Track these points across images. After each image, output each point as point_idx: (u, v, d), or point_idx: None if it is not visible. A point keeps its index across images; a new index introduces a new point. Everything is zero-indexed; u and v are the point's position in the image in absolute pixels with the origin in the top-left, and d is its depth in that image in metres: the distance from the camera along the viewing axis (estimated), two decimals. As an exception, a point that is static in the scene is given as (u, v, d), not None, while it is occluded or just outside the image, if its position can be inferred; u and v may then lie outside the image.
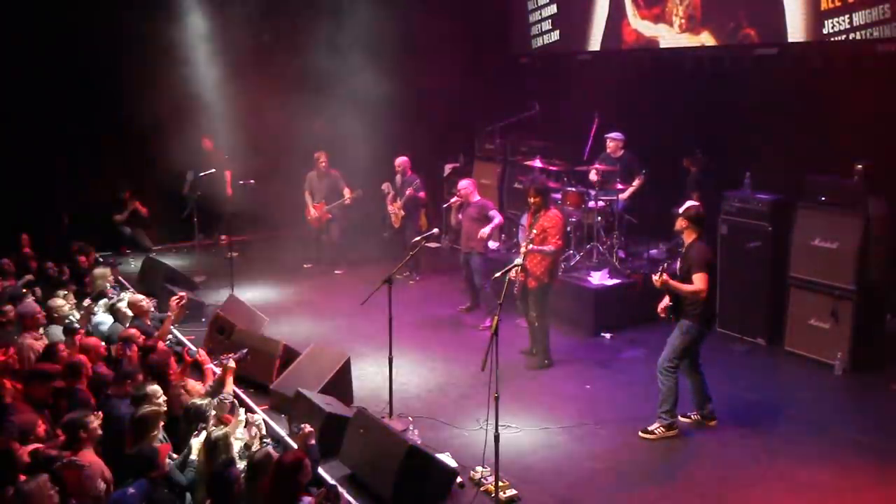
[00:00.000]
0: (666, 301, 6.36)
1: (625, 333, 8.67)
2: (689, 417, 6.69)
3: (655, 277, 6.26)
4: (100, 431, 4.87)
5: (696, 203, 6.48)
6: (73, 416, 4.86)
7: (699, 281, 6.13)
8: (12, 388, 5.57)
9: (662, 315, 6.42)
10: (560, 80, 11.76)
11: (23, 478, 4.31)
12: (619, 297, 8.90)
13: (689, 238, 6.35)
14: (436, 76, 11.98)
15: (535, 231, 7.48)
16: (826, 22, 8.42)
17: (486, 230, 8.58)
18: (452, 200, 8.98)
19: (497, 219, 8.76)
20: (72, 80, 11.19)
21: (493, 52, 12.81)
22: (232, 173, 12.04)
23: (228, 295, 9.13)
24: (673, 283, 6.23)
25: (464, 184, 8.98)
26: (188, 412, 5.37)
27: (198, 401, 5.50)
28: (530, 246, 7.40)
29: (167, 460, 4.85)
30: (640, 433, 6.38)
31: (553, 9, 12.05)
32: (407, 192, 10.41)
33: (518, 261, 7.12)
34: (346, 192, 10.89)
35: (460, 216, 8.98)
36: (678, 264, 6.50)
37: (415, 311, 9.10)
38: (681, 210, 6.41)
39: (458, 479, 5.70)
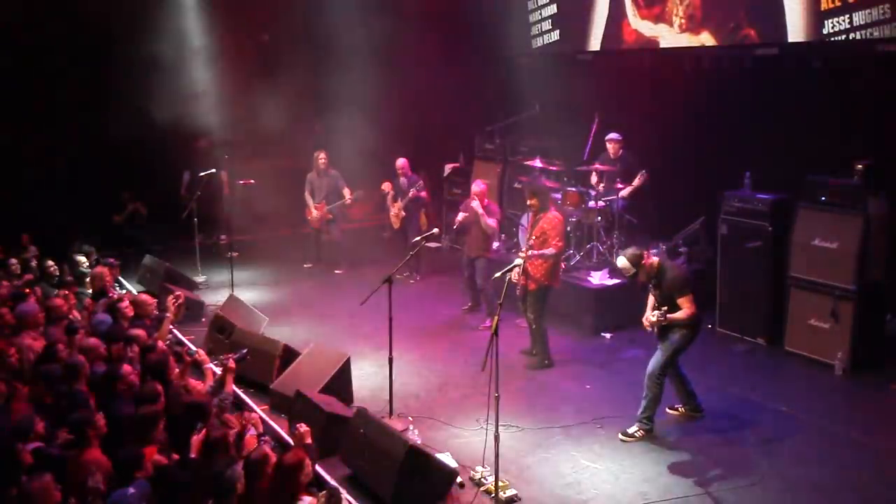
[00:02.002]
0: (651, 314, 6.35)
1: (625, 333, 8.67)
2: (676, 410, 6.74)
3: (652, 319, 6.28)
4: (105, 430, 4.88)
5: (632, 251, 6.37)
6: (80, 414, 4.87)
7: (688, 304, 6.22)
8: (6, 390, 5.56)
9: (648, 327, 6.42)
10: (560, 80, 11.75)
11: (24, 478, 4.31)
12: (619, 297, 8.90)
13: (647, 272, 6.34)
14: (436, 76, 11.99)
15: (534, 237, 7.48)
16: (826, 22, 8.42)
17: (463, 215, 8.69)
18: (460, 218, 8.87)
19: (494, 229, 8.74)
20: (72, 80, 11.19)
21: (493, 52, 12.79)
22: (229, 173, 12.05)
23: (228, 295, 9.13)
24: (672, 317, 6.24)
25: (478, 188, 8.78)
26: (190, 409, 5.37)
27: (200, 398, 5.50)
28: (530, 252, 7.40)
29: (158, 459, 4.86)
30: (620, 435, 6.37)
31: (553, 9, 12.04)
32: (410, 194, 10.39)
33: (518, 261, 7.13)
34: (346, 193, 10.89)
35: (460, 218, 8.93)
36: (652, 290, 6.45)
37: (415, 311, 9.10)
38: (625, 263, 6.34)
39: (458, 479, 5.70)
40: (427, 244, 9.11)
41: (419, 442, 5.90)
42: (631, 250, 6.40)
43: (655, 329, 6.38)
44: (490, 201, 8.99)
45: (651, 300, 6.50)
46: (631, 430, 6.39)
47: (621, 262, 6.42)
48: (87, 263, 7.36)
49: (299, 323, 9.05)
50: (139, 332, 6.64)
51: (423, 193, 10.60)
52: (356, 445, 5.85)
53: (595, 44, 11.35)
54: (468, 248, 8.99)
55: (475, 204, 8.63)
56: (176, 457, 5.13)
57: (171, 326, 7.60)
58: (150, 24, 11.10)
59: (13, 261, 8.57)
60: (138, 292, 8.41)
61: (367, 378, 7.26)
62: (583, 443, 6.38)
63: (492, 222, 8.68)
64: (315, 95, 12.68)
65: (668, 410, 6.71)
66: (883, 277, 7.59)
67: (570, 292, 8.81)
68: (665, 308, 6.25)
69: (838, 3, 8.28)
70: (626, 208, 9.54)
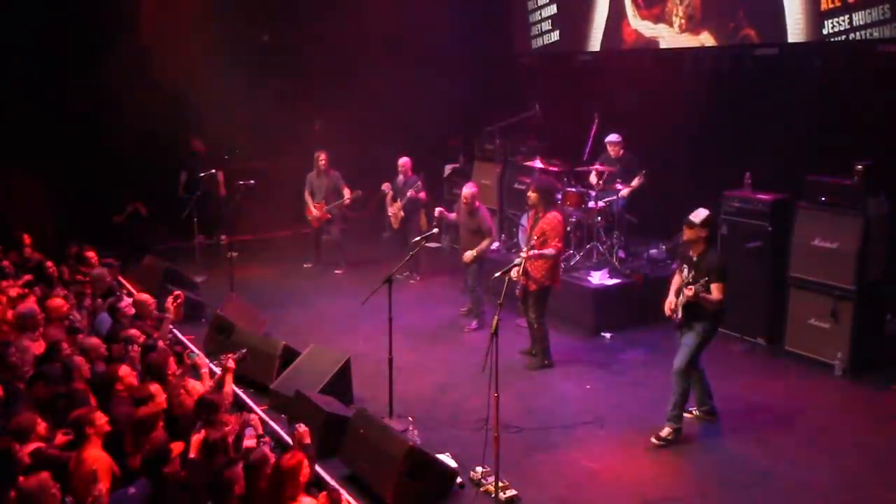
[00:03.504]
0: (674, 301, 6.26)
1: (625, 333, 8.68)
2: (690, 413, 6.69)
3: (689, 293, 6.08)
4: (107, 427, 4.89)
5: (706, 211, 6.26)
6: (79, 413, 4.88)
7: (719, 292, 6.08)
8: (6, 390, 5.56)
9: (670, 314, 6.32)
10: (560, 80, 11.76)
11: (22, 479, 4.31)
12: (619, 297, 8.91)
13: (700, 246, 6.20)
14: (436, 76, 11.99)
15: (535, 237, 7.48)
16: (826, 22, 8.43)
17: (470, 254, 8.56)
18: (452, 216, 8.93)
19: (487, 240, 8.64)
20: (70, 80, 11.18)
21: (493, 53, 12.81)
22: (225, 173, 12.04)
23: (228, 295, 9.13)
24: (705, 296, 6.08)
25: (469, 191, 8.72)
26: (200, 404, 5.36)
27: (210, 394, 5.51)
28: (531, 252, 7.40)
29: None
30: (653, 440, 6.28)
31: (553, 9, 12.06)
32: (408, 194, 10.39)
33: (518, 261, 7.13)
34: (346, 192, 10.89)
35: (454, 215, 8.93)
36: (686, 268, 6.29)
37: (415, 311, 9.10)
38: (695, 220, 6.19)
39: (458, 479, 5.70)
40: (427, 244, 9.11)
41: (419, 442, 5.90)
42: (708, 212, 6.19)
43: (678, 315, 6.24)
44: (480, 205, 8.93)
45: (676, 283, 6.37)
46: (663, 434, 6.29)
47: (702, 213, 6.15)
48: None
49: (299, 323, 9.05)
50: (138, 332, 6.64)
51: (422, 194, 10.60)
52: (356, 445, 5.85)
53: (595, 44, 11.37)
54: (462, 249, 8.98)
55: (467, 190, 8.73)
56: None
57: (170, 326, 7.60)
58: (149, 23, 11.09)
59: (6, 263, 8.56)
60: (138, 292, 8.40)
61: (367, 378, 7.25)
62: (583, 443, 6.38)
63: (486, 215, 8.71)
64: (315, 95, 12.68)
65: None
66: (883, 277, 7.59)
67: (570, 292, 8.81)
68: (705, 280, 6.06)
69: (838, 4, 8.29)
70: (626, 208, 9.55)
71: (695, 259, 6.23)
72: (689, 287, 6.11)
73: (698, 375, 6.57)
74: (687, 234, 6.28)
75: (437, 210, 9.13)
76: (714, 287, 6.09)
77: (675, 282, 6.43)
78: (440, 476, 5.60)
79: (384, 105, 12.61)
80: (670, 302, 6.37)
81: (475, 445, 5.98)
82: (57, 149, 11.36)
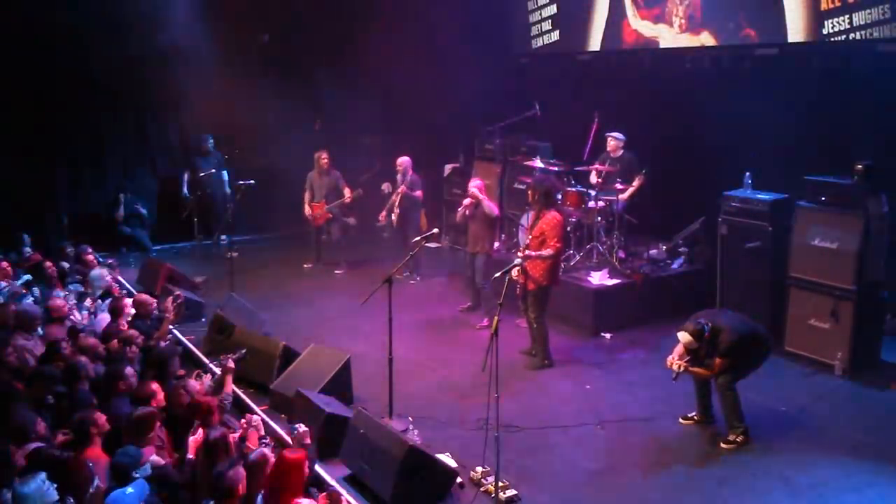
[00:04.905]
0: (676, 362, 6.20)
1: (625, 333, 8.67)
2: (690, 419, 6.68)
3: (675, 368, 6.15)
4: (107, 427, 4.89)
5: (693, 326, 6.16)
6: (82, 414, 4.88)
7: (718, 365, 6.22)
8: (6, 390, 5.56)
9: (670, 367, 6.26)
10: (560, 80, 11.75)
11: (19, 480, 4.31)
12: (619, 297, 8.90)
13: (711, 336, 6.19)
14: (436, 76, 11.99)
15: (533, 237, 7.48)
16: (826, 22, 8.43)
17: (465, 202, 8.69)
18: (466, 202, 8.87)
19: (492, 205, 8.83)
20: (71, 80, 11.18)
21: (493, 52, 12.79)
22: (230, 173, 12.06)
23: (228, 295, 9.13)
24: (695, 370, 6.27)
25: (475, 184, 8.83)
26: (193, 408, 5.36)
27: (202, 399, 5.50)
28: (528, 252, 7.40)
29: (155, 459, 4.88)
30: (722, 444, 6.27)
31: (553, 9, 12.05)
32: (399, 190, 10.35)
33: (518, 261, 7.13)
34: (347, 192, 10.89)
35: (467, 213, 8.93)
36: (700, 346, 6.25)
37: (415, 310, 9.09)
38: (688, 339, 6.14)
39: (458, 479, 5.70)
40: (427, 244, 9.10)
41: (419, 442, 5.90)
42: (692, 325, 6.17)
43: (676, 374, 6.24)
44: (489, 199, 8.97)
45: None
46: (731, 438, 6.30)
47: (684, 337, 6.18)
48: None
49: (299, 323, 9.04)
50: (137, 332, 6.64)
51: (418, 193, 10.56)
52: (356, 445, 5.85)
53: (595, 44, 11.36)
54: (469, 244, 9.00)
55: (473, 185, 8.73)
56: (175, 456, 5.15)
57: (170, 327, 7.60)
58: (149, 23, 11.09)
59: (5, 263, 8.56)
60: (138, 292, 8.41)
61: (367, 378, 7.25)
62: (583, 443, 6.38)
63: (493, 205, 8.78)
64: (315, 96, 12.69)
65: (681, 421, 6.67)
66: (883, 277, 7.59)
67: (570, 292, 8.81)
68: (689, 359, 6.17)
69: (838, 3, 8.28)
70: (626, 208, 9.54)
71: (711, 348, 6.23)
72: (678, 362, 6.18)
73: (706, 391, 6.59)
74: (691, 346, 6.23)
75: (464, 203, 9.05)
76: (717, 360, 6.21)
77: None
78: (440, 476, 5.60)
79: (384, 105, 12.61)
80: (671, 360, 6.26)
81: (475, 445, 5.98)
82: (56, 148, 11.36)
